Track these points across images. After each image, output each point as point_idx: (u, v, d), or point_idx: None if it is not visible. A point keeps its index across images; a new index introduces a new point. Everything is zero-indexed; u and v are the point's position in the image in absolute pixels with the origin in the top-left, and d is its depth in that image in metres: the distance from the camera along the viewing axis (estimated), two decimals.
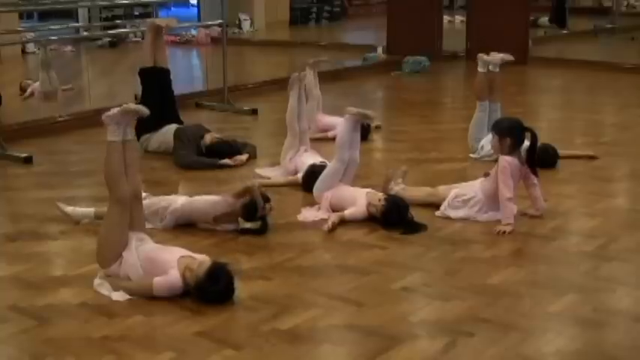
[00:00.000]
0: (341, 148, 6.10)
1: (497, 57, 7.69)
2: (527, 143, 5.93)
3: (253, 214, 5.57)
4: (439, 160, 7.57)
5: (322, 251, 5.38)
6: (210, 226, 5.64)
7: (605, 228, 5.73)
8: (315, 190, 6.13)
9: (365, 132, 7.60)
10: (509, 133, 5.89)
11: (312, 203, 6.11)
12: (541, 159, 6.57)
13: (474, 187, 5.96)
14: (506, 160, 5.75)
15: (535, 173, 5.90)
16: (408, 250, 5.31)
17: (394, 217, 5.70)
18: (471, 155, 7.58)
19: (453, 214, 5.91)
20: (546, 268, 5.02)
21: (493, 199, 5.79)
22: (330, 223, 5.67)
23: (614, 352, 3.97)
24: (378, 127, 8.75)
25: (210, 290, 4.41)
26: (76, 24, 16.68)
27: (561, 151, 7.38)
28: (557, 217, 5.94)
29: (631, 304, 4.54)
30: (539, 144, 6.05)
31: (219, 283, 4.43)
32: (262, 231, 5.55)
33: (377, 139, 8.53)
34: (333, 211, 5.89)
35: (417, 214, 5.79)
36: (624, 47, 15.82)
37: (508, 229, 5.58)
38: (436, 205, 6.00)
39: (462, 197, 5.93)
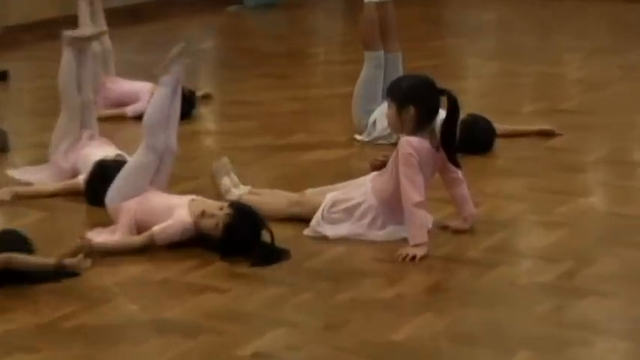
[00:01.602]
0: (151, 130, 6.06)
1: None
2: (442, 114, 5.99)
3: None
4: (307, 147, 7.64)
5: (123, 300, 5.32)
6: None
7: (573, 245, 5.85)
8: (108, 200, 6.07)
9: (188, 106, 7.58)
10: (414, 98, 5.92)
11: (104, 223, 6.05)
12: (468, 139, 6.69)
13: (362, 189, 6.00)
14: (411, 144, 5.78)
15: (455, 163, 5.95)
16: (262, 293, 5.31)
17: (244, 234, 5.67)
18: (358, 137, 7.67)
19: (330, 231, 5.94)
20: (481, 312, 5.09)
21: (393, 206, 5.84)
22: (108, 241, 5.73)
23: None
24: (206, 97, 8.75)
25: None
26: None
27: (500, 126, 7.53)
28: (496, 230, 6.06)
29: None
30: (462, 115, 6.14)
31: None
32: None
33: (206, 116, 8.52)
34: (140, 232, 5.85)
35: (275, 235, 5.79)
36: None
37: (419, 252, 5.63)
38: (304, 219, 6.04)
39: (344, 205, 5.97)
